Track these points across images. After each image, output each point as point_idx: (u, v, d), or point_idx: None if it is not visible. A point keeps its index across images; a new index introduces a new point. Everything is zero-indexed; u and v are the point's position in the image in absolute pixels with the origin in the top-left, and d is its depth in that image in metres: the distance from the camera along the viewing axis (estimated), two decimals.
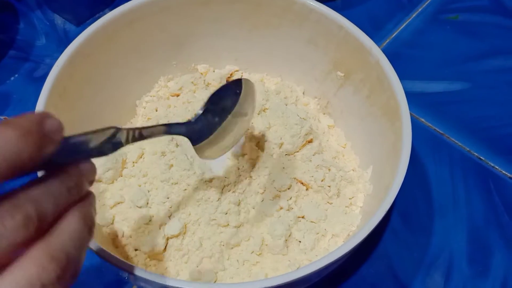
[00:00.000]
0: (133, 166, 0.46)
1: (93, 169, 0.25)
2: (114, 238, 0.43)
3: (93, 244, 0.34)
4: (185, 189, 0.43)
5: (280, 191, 0.44)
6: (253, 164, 0.44)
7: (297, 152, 0.47)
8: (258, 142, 0.46)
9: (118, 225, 0.43)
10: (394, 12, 0.66)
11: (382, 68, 0.43)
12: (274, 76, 0.54)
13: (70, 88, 0.43)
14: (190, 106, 0.49)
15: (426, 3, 0.67)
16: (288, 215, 0.43)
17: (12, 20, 0.64)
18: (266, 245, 0.43)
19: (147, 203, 0.44)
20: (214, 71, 0.54)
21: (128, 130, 0.28)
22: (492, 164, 0.53)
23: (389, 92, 0.42)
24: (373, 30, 0.64)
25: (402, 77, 0.42)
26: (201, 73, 0.53)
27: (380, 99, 0.44)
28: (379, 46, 0.44)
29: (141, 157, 0.46)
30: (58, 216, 0.22)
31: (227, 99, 0.36)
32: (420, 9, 0.67)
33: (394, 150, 0.40)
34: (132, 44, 0.48)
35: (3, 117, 0.55)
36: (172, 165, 0.44)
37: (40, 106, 0.39)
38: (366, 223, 0.35)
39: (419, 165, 0.53)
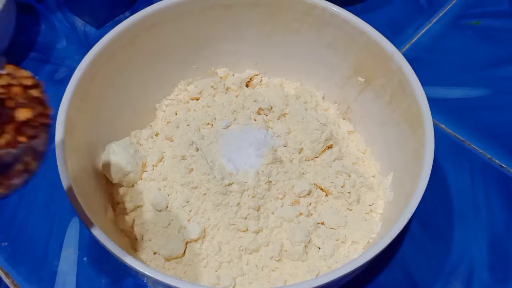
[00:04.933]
0: (153, 169, 0.46)
1: None
2: (134, 242, 0.43)
3: (113, 247, 0.34)
4: (205, 194, 0.43)
5: (299, 197, 0.44)
6: (272, 169, 0.44)
7: (317, 157, 0.47)
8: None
9: (138, 228, 0.44)
10: (414, 17, 0.66)
11: (404, 74, 0.42)
12: (294, 81, 0.54)
13: (92, 91, 0.43)
14: (209, 110, 0.49)
15: (447, 8, 0.67)
16: (308, 221, 0.43)
17: (32, 22, 0.65)
18: (285, 251, 0.42)
19: (167, 207, 0.44)
20: (233, 75, 0.54)
21: None
22: None
23: (411, 98, 0.42)
24: (393, 35, 0.63)
25: (422, 82, 0.42)
26: (221, 77, 0.53)
27: (401, 106, 0.44)
28: (398, 51, 0.43)
29: (161, 161, 0.47)
30: None
31: None
32: (440, 14, 0.66)
33: (415, 157, 0.40)
34: (153, 48, 0.48)
35: None
36: (192, 169, 0.44)
37: (63, 108, 0.39)
38: (387, 231, 0.35)
39: (439, 171, 0.52)
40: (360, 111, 0.50)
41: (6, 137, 0.31)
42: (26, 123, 0.31)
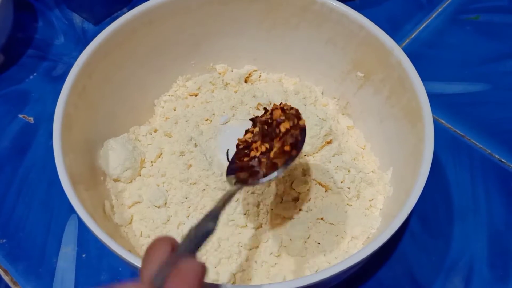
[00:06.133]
0: (152, 165, 0.46)
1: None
2: (132, 238, 0.43)
3: (111, 243, 0.34)
4: (204, 189, 0.43)
5: (299, 193, 0.44)
6: None
7: (316, 153, 0.47)
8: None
9: (136, 224, 0.43)
10: (413, 12, 0.66)
11: (404, 69, 0.42)
12: (293, 76, 0.54)
13: (89, 87, 0.43)
14: (208, 106, 0.49)
15: (446, 3, 0.66)
16: (307, 217, 0.43)
17: (30, 19, 0.65)
18: (285, 246, 0.42)
19: (166, 203, 0.44)
20: (232, 71, 0.53)
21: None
22: None
23: (411, 93, 0.42)
24: (392, 30, 0.63)
25: (421, 77, 0.42)
26: (219, 73, 0.53)
27: (401, 100, 0.44)
28: (398, 45, 0.43)
29: (159, 157, 0.46)
30: None
31: None
32: (439, 9, 0.66)
33: (415, 152, 0.40)
34: (151, 43, 0.48)
35: (22, 115, 0.55)
36: (190, 165, 0.44)
37: (60, 105, 0.39)
38: (387, 226, 0.35)
39: (438, 167, 0.52)
40: (360, 106, 0.50)
41: (275, 150, 0.36)
42: (286, 133, 0.36)
